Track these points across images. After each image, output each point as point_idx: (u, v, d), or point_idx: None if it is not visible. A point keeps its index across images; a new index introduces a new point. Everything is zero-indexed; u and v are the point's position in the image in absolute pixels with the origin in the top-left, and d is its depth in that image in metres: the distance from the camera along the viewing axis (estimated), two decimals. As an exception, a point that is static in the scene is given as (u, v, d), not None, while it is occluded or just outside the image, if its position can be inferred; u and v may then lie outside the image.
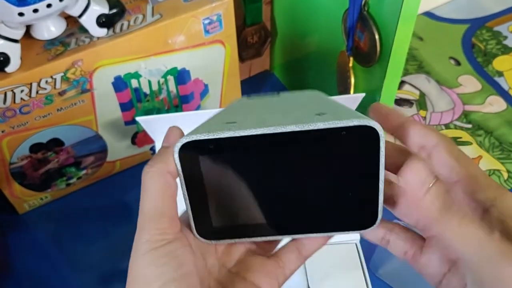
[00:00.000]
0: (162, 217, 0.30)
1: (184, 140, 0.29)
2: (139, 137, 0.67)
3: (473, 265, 0.29)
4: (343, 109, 0.32)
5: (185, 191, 0.31)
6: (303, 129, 0.28)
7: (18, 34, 0.52)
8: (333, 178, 0.31)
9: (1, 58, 0.51)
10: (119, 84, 0.59)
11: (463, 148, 0.72)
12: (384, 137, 0.28)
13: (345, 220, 0.32)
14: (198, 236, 0.32)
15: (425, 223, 0.31)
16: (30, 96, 0.55)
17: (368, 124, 0.28)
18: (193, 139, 0.29)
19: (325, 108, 0.33)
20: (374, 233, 0.35)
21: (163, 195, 0.30)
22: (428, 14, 0.90)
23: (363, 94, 0.54)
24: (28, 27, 0.54)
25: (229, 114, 0.35)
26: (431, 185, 0.30)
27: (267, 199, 0.32)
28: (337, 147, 0.29)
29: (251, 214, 0.32)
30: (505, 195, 0.31)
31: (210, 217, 0.32)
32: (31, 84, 0.54)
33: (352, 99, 0.54)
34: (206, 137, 0.29)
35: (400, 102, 0.78)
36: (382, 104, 0.35)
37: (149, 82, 0.61)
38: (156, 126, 0.55)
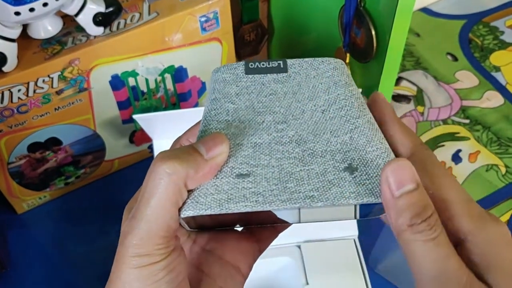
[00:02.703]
0: (166, 231, 0.26)
1: (191, 214, 0.27)
2: (137, 136, 0.67)
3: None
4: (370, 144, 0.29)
5: None
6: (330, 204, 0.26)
7: (15, 33, 0.52)
8: None
9: (-2, 58, 0.51)
10: (117, 82, 0.59)
11: (461, 144, 0.72)
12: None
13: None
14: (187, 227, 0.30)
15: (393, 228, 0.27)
16: (27, 96, 0.55)
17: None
18: (203, 213, 0.27)
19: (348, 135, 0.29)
20: None
21: (174, 206, 0.27)
22: (425, 10, 0.90)
23: (360, 90, 0.54)
24: (25, 27, 0.54)
25: (230, 136, 0.30)
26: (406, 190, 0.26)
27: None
28: None
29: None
30: (480, 230, 0.27)
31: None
32: (28, 83, 0.54)
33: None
34: (219, 212, 0.27)
35: (398, 98, 0.78)
36: (381, 96, 0.32)
37: (147, 80, 0.61)
38: (153, 124, 0.55)
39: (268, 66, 0.33)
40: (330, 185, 0.27)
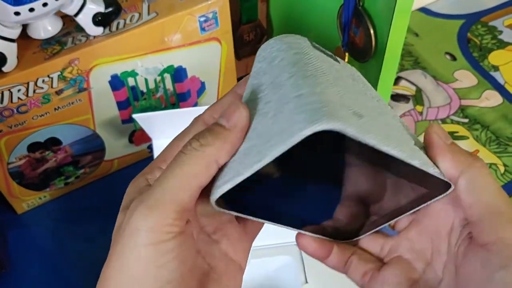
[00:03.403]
0: (181, 205, 0.26)
1: (219, 194, 0.26)
2: (137, 136, 0.67)
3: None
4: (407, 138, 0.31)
5: None
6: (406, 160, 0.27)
7: (15, 33, 0.52)
8: None
9: (-2, 58, 0.51)
10: (116, 82, 0.59)
11: (460, 143, 0.72)
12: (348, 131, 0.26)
13: (412, 195, 0.32)
14: (215, 205, 0.28)
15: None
16: (27, 96, 0.55)
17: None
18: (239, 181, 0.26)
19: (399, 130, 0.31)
20: (341, 257, 0.34)
21: (198, 184, 0.26)
22: (424, 10, 0.90)
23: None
24: (25, 27, 0.54)
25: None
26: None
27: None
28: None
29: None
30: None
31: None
32: (28, 83, 0.54)
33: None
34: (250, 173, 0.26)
35: (396, 97, 0.78)
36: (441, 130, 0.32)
37: (146, 80, 0.61)
38: (152, 123, 0.56)
39: (325, 50, 0.34)
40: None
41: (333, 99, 0.27)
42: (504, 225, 0.28)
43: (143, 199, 0.26)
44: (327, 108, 0.25)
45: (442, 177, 0.30)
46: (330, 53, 0.34)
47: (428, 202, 0.31)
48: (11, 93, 0.53)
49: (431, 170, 0.29)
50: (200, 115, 0.32)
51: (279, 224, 0.31)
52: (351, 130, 0.25)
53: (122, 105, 0.62)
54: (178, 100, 0.66)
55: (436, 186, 0.30)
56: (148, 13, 0.57)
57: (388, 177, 0.34)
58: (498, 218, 0.28)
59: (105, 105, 0.61)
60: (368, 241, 0.35)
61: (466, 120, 0.75)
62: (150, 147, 0.69)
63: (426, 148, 0.31)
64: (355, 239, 0.35)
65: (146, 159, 0.70)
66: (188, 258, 0.27)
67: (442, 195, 0.30)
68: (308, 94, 0.27)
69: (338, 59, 0.34)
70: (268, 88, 0.29)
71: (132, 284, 0.25)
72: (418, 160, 0.28)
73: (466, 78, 0.80)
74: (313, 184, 0.34)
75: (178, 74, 0.63)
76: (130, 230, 0.25)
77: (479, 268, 0.28)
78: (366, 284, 0.34)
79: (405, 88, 0.79)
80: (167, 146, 0.31)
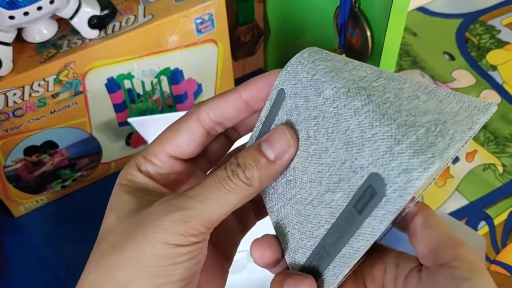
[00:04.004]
0: (213, 225, 0.27)
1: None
2: (134, 138, 0.67)
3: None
4: None
5: None
6: None
7: (10, 37, 0.52)
8: None
9: (-7, 62, 0.51)
10: (112, 85, 0.59)
11: (458, 143, 0.72)
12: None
13: None
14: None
15: None
16: (23, 99, 0.54)
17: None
18: None
19: None
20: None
21: (232, 210, 0.27)
22: (422, 10, 0.90)
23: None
24: (20, 30, 0.54)
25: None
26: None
27: None
28: None
29: None
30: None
31: None
32: (23, 87, 0.54)
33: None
34: None
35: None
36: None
37: (142, 82, 0.61)
38: (148, 126, 0.55)
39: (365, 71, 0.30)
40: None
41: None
42: (458, 246, 0.29)
43: (184, 206, 0.27)
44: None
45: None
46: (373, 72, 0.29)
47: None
48: (6, 97, 0.53)
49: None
50: (195, 109, 0.31)
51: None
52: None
53: (118, 107, 0.62)
54: (175, 102, 0.66)
55: None
56: (144, 16, 0.57)
57: None
58: (454, 241, 0.29)
59: (101, 108, 0.61)
60: None
61: (464, 120, 0.74)
62: (147, 149, 0.69)
63: None
64: None
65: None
66: (202, 260, 0.28)
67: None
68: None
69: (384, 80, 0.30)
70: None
71: (146, 275, 0.26)
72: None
73: (464, 77, 0.80)
74: None
75: (174, 76, 0.63)
76: (160, 225, 0.26)
77: (446, 284, 0.29)
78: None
79: (403, 88, 0.79)
80: (156, 138, 0.31)
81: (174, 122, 0.31)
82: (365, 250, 0.25)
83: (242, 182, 0.27)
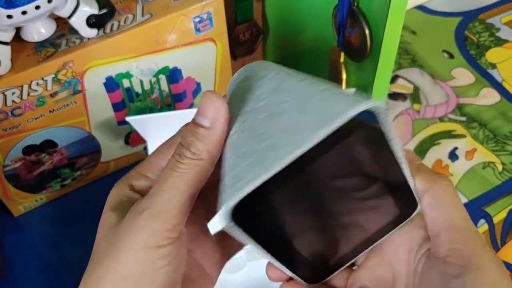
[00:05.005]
0: (182, 213, 0.27)
1: (224, 223, 0.25)
2: (133, 137, 0.67)
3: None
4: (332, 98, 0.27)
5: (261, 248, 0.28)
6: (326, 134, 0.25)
7: (8, 36, 0.52)
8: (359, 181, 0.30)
9: (-9, 61, 0.51)
10: (111, 84, 0.59)
11: (458, 141, 0.72)
12: (386, 113, 0.26)
13: (387, 218, 0.32)
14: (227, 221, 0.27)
15: None
16: (21, 99, 0.54)
17: (371, 107, 0.25)
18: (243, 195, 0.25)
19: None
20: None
21: (197, 191, 0.28)
22: (421, 8, 0.90)
23: (353, 90, 0.54)
24: (18, 29, 0.54)
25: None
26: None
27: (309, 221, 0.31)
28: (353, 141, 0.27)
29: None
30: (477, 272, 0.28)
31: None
32: (22, 86, 0.54)
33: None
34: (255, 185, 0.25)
35: (394, 96, 0.78)
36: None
37: (141, 81, 0.61)
38: (146, 125, 0.55)
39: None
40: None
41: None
42: (459, 238, 0.29)
43: (148, 205, 0.27)
44: (361, 96, 0.25)
45: (415, 194, 0.30)
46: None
47: (396, 228, 0.32)
48: (5, 96, 0.53)
49: (412, 184, 0.30)
50: (188, 123, 0.32)
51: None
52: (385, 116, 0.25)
53: (117, 106, 0.62)
54: (173, 101, 0.66)
55: (405, 207, 0.31)
56: (142, 14, 0.57)
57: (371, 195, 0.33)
58: (454, 232, 0.29)
59: (100, 107, 0.61)
60: (334, 277, 0.35)
61: (463, 118, 0.74)
62: (146, 149, 0.69)
63: None
64: (326, 279, 0.34)
65: (142, 160, 0.69)
66: (182, 263, 0.28)
67: (410, 217, 0.31)
68: (333, 87, 0.26)
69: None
70: (272, 94, 0.28)
71: (128, 284, 0.26)
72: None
73: (463, 76, 0.80)
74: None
75: (173, 75, 0.63)
76: (132, 231, 0.27)
77: (437, 281, 0.29)
78: None
79: (402, 86, 0.79)
80: (152, 153, 0.32)
81: (168, 139, 0.32)
82: None
83: (191, 159, 0.27)
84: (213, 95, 0.28)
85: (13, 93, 0.54)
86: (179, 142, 0.29)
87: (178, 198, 0.27)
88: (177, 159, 0.28)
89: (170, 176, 0.27)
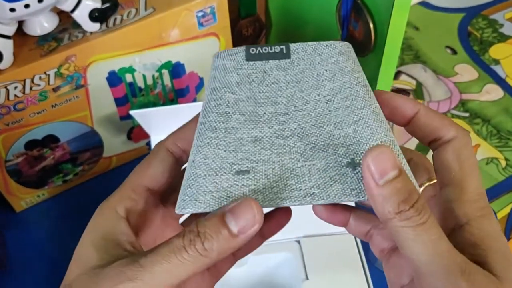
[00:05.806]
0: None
1: (190, 212, 0.27)
2: (135, 132, 0.66)
3: (428, 277, 0.26)
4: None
5: None
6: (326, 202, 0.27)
7: (10, 30, 0.51)
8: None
9: (-6, 55, 0.51)
10: (114, 79, 0.59)
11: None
12: None
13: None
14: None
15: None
16: (24, 93, 0.54)
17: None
18: (201, 211, 0.27)
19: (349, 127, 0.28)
20: (359, 227, 0.33)
21: (188, 277, 0.27)
22: (424, 4, 0.89)
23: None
24: (21, 23, 0.54)
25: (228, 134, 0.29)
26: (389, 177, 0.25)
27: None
28: None
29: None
30: (483, 218, 0.28)
31: None
32: (24, 80, 0.53)
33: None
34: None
35: (397, 92, 0.77)
36: (383, 92, 0.31)
37: (144, 76, 0.61)
38: (150, 119, 0.55)
39: (270, 51, 0.31)
40: (331, 182, 0.27)
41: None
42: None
43: (135, 277, 0.26)
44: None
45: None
46: (277, 48, 0.32)
47: None
48: (7, 90, 0.53)
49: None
50: (163, 141, 0.33)
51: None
52: None
53: (120, 101, 0.62)
54: (176, 96, 0.65)
55: None
56: (145, 9, 0.57)
57: None
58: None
59: (102, 101, 0.60)
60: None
61: (467, 114, 0.74)
62: (148, 144, 0.69)
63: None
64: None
65: (144, 156, 0.69)
66: None
67: None
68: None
69: (293, 48, 0.32)
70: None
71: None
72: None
73: (466, 72, 0.80)
74: None
75: (176, 70, 0.62)
76: None
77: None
78: (384, 262, 0.32)
79: (405, 82, 0.79)
80: (133, 172, 0.32)
81: (145, 158, 0.33)
82: None
83: (198, 253, 0.25)
84: (255, 205, 0.26)
85: (15, 88, 0.53)
86: (196, 225, 0.26)
87: (169, 282, 0.26)
88: (185, 246, 0.26)
89: (168, 260, 0.26)
